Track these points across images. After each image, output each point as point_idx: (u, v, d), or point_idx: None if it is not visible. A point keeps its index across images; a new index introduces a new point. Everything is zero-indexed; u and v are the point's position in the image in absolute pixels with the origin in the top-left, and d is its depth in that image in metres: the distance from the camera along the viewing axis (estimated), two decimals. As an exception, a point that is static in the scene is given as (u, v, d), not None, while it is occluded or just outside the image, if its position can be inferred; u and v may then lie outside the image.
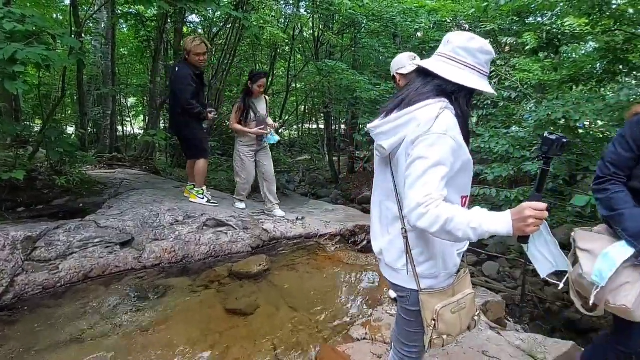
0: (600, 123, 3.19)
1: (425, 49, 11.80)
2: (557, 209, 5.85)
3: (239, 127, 4.63)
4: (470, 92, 1.49)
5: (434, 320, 1.50)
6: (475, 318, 1.63)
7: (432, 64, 1.48)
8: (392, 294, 3.22)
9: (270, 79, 10.24)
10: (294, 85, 11.80)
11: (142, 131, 17.33)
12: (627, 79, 4.86)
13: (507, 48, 11.81)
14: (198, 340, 2.75)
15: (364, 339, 2.75)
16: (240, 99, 4.71)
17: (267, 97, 4.84)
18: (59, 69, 5.09)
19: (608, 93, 5.65)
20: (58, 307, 3.06)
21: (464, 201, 1.52)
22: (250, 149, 4.71)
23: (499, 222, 1.26)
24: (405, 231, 1.51)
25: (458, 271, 1.60)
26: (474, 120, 8.93)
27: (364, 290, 3.44)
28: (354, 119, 14.23)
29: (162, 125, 9.31)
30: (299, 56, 12.46)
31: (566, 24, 5.14)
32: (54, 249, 3.49)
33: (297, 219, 4.76)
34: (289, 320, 3.02)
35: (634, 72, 4.58)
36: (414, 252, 1.51)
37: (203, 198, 4.91)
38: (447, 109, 1.43)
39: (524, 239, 1.34)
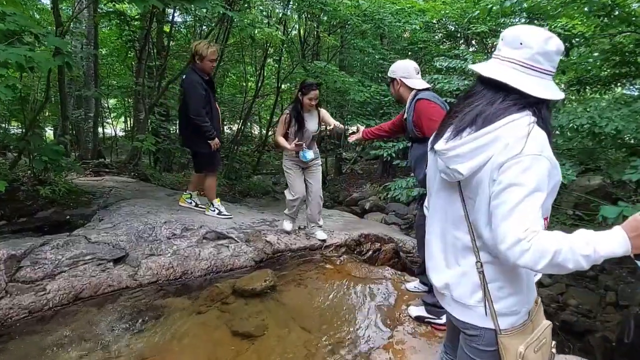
0: (625, 128, 3.06)
1: (413, 49, 11.74)
2: (553, 210, 5.80)
3: (280, 140, 4.15)
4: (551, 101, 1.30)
5: None
6: (553, 350, 1.44)
7: (510, 76, 1.26)
8: (413, 311, 3.03)
9: (261, 81, 9.99)
10: (283, 87, 11.57)
11: (124, 133, 16.88)
12: (637, 82, 4.79)
13: (493, 49, 11.81)
14: (204, 370, 2.52)
15: (388, 365, 2.55)
16: (288, 109, 4.21)
17: (322, 109, 4.27)
18: (43, 71, 4.75)
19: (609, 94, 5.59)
20: (47, 332, 2.80)
21: (545, 222, 1.32)
22: (293, 163, 4.23)
23: (614, 243, 1.10)
24: (482, 265, 1.32)
25: None
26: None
27: (380, 307, 3.23)
28: (342, 120, 14.10)
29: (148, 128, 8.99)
30: (284, 57, 12.25)
31: (568, 26, 5.04)
32: (41, 268, 3.22)
33: (299, 228, 4.54)
34: (302, 344, 2.80)
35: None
36: (491, 287, 1.32)
37: (215, 210, 4.74)
38: (535, 124, 1.24)
39: None
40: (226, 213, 4.74)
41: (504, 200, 1.16)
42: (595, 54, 4.99)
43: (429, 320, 2.93)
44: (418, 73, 2.97)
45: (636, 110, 3.09)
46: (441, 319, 2.82)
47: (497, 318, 1.31)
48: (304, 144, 4.06)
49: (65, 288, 3.12)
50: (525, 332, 1.34)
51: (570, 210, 5.66)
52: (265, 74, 10.99)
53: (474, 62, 6.12)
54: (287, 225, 4.45)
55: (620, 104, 3.45)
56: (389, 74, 3.06)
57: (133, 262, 3.52)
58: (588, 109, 3.33)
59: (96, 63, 9.54)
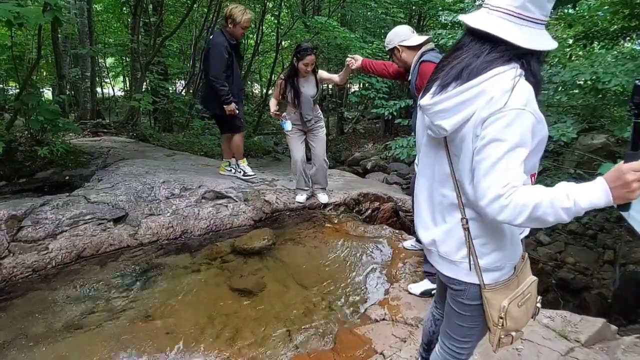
0: (629, 83, 2.97)
1: (417, 3, 11.31)
2: (555, 169, 5.77)
3: (271, 103, 4.04)
4: (542, 52, 1.24)
5: (502, 318, 1.33)
6: (538, 305, 1.47)
7: (497, 26, 1.20)
8: (415, 289, 2.90)
9: (260, 37, 9.71)
10: (283, 44, 11.25)
11: (123, 93, 16.65)
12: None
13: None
14: (205, 325, 2.59)
15: (384, 319, 2.61)
16: (284, 74, 4.04)
17: (319, 72, 4.02)
18: (32, 27, 4.61)
19: (617, 51, 5.42)
20: (51, 290, 2.87)
21: (532, 179, 1.32)
22: (293, 126, 4.06)
23: (595, 194, 1.07)
24: (467, 222, 1.31)
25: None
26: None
27: (377, 265, 3.28)
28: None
29: (144, 87, 8.84)
30: (284, 12, 11.84)
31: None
32: (42, 227, 3.26)
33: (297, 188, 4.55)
34: (300, 300, 2.87)
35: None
36: (475, 243, 1.31)
37: (240, 171, 4.70)
38: (521, 77, 1.18)
39: (626, 206, 1.13)
40: (251, 173, 4.69)
41: (486, 155, 1.13)
42: (606, 7, 4.79)
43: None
44: (413, 32, 2.92)
45: (643, 65, 3.00)
46: None
47: (481, 273, 1.32)
48: (285, 114, 3.98)
49: (67, 247, 3.17)
50: (510, 287, 1.36)
51: (572, 169, 5.62)
52: (264, 30, 10.68)
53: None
54: (300, 197, 4.34)
55: (626, 59, 3.34)
56: (386, 47, 3.01)
57: (133, 222, 3.55)
58: (593, 65, 3.24)
59: (90, 19, 9.26)
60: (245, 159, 4.76)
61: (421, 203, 1.47)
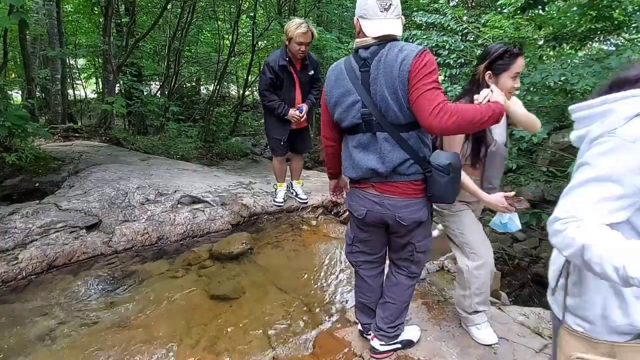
0: (596, 85, 3.07)
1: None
2: (529, 167, 5.91)
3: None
4: None
5: None
6: None
7: None
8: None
9: (235, 38, 9.63)
10: (260, 44, 11.18)
11: (96, 95, 16.27)
12: (611, 37, 4.77)
13: (473, 3, 11.57)
14: (182, 333, 2.55)
15: (363, 322, 2.61)
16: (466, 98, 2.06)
17: (514, 102, 2.02)
18: (-3, 30, 4.47)
19: (586, 52, 5.58)
20: (22, 301, 2.79)
21: None
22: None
23: None
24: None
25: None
26: (441, 78, 8.76)
27: (355, 267, 3.29)
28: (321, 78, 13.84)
29: (117, 89, 8.65)
30: (260, 12, 11.78)
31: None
32: (11, 237, 3.17)
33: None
34: (279, 305, 2.85)
35: (618, 31, 4.48)
36: (570, 279, 1.20)
37: (274, 193, 4.35)
38: None
39: None
40: (280, 201, 4.26)
41: (573, 177, 1.09)
42: (574, 9, 4.93)
43: None
44: (385, 10, 1.77)
45: (607, 67, 3.09)
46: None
47: (565, 310, 1.23)
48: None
49: (38, 257, 3.09)
50: (596, 348, 1.15)
51: (545, 167, 5.76)
52: (240, 31, 10.60)
53: (453, 17, 6.00)
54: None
55: (592, 61, 3.45)
56: None
57: (107, 229, 3.48)
58: (562, 66, 3.34)
59: (60, 21, 9.00)
60: (284, 183, 4.34)
61: None
